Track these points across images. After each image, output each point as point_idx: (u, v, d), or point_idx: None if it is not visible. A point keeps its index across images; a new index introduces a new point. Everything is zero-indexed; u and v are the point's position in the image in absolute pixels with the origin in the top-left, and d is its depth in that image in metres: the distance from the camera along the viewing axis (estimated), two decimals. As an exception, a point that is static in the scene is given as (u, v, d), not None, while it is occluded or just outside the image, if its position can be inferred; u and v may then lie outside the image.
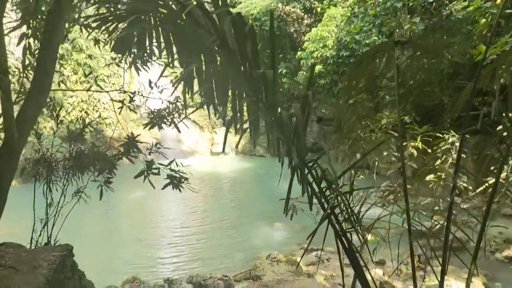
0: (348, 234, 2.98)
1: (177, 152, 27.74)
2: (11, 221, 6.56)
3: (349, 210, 2.78)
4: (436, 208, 6.71)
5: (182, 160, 7.90)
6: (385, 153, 6.71)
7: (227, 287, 8.52)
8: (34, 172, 5.83)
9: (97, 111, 29.07)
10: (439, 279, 3.30)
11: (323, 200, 2.71)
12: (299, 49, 28.71)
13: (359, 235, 2.74)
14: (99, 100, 29.26)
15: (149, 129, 8.48)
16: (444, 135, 6.21)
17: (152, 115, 8.39)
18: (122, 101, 8.67)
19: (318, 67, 26.40)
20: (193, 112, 8.47)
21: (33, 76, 6.08)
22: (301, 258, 12.83)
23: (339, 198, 2.77)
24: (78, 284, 4.91)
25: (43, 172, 5.78)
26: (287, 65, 30.08)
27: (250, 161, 31.85)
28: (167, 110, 8.39)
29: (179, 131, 8.05)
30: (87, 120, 7.69)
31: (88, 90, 8.28)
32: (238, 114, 2.87)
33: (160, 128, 8.47)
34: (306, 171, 2.66)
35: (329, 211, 2.67)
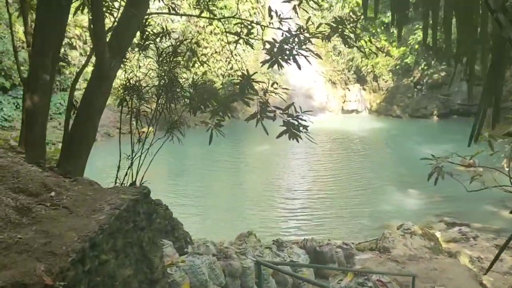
0: None
1: (306, 109, 26.39)
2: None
3: None
4: None
5: (312, 117, 6.59)
6: None
7: (347, 257, 7.17)
8: (122, 99, 5.08)
9: (229, 62, 29.04)
10: None
11: None
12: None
13: None
14: (231, 52, 29.14)
15: (268, 67, 7.29)
16: None
17: (270, 49, 7.11)
18: (238, 33, 7.55)
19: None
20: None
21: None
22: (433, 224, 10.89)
23: None
24: (157, 235, 4.04)
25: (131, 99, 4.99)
26: (436, 14, 26.30)
27: (384, 121, 29.31)
28: (287, 43, 7.05)
29: (299, 68, 6.70)
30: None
31: (199, 16, 7.32)
32: None
33: (280, 66, 7.20)
34: None
35: None
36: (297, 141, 6.82)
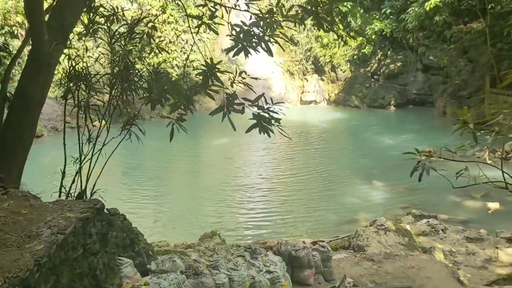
0: None
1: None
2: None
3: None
4: None
5: (284, 109, 6.00)
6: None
7: (324, 260, 6.66)
8: (66, 90, 4.24)
9: (184, 53, 27.98)
10: None
11: None
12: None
13: None
14: (187, 42, 28.12)
15: (234, 55, 6.59)
16: None
17: (236, 35, 6.41)
18: (200, 17, 6.80)
19: (433, 1, 22.31)
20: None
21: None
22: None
23: None
24: (114, 258, 3.30)
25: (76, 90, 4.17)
26: (392, 3, 26.28)
27: (343, 112, 29.25)
28: (257, 27, 6.40)
29: (271, 55, 6.08)
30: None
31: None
32: None
33: (247, 54, 6.51)
34: None
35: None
36: (269, 135, 6.22)
